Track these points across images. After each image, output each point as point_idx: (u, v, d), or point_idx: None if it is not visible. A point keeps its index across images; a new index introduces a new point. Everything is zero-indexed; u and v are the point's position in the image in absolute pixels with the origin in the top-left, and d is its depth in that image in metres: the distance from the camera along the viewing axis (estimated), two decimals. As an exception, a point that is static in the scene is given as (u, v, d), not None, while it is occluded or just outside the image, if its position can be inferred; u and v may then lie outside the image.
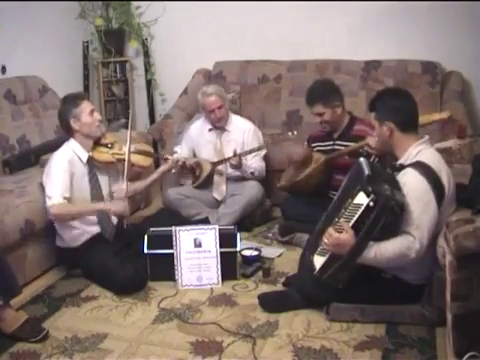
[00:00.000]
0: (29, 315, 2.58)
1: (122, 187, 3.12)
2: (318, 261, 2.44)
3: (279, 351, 2.37)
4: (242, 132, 3.75)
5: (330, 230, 2.35)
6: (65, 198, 2.91)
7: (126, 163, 3.06)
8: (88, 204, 3.03)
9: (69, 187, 2.95)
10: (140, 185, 3.37)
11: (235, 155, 3.54)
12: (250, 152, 3.61)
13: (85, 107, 3.02)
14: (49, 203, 2.91)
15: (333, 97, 3.29)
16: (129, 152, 3.08)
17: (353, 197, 2.29)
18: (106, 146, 3.14)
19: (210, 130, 3.77)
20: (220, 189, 3.72)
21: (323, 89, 3.36)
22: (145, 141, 4.09)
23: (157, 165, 3.76)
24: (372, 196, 2.20)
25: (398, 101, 2.51)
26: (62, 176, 2.93)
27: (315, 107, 3.31)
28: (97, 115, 3.07)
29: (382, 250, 2.31)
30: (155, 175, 3.38)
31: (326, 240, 2.36)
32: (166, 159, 3.39)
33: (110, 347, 2.44)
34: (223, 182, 3.72)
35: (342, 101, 3.34)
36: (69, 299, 2.87)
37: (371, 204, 2.20)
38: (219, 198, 3.71)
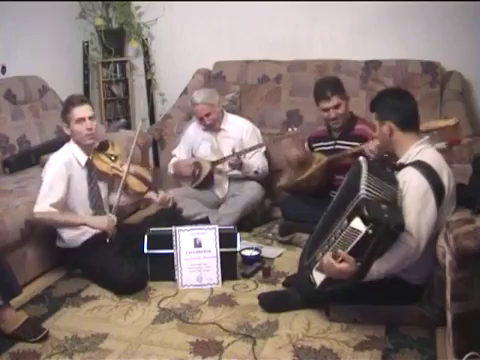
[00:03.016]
0: (29, 315, 2.58)
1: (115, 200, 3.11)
2: (318, 277, 2.36)
3: (279, 351, 2.37)
4: (240, 130, 3.75)
5: (330, 259, 2.23)
6: (51, 205, 2.90)
7: (122, 181, 3.04)
8: (71, 217, 3.00)
9: (62, 192, 2.94)
10: (123, 203, 3.28)
11: (233, 154, 3.54)
12: (250, 150, 3.60)
13: (76, 113, 2.94)
14: (35, 209, 2.90)
15: (343, 90, 3.32)
16: (128, 171, 3.06)
17: (350, 219, 2.18)
18: (109, 157, 3.12)
19: (205, 129, 3.78)
20: (222, 187, 3.73)
21: (336, 82, 3.37)
22: (145, 141, 4.10)
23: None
24: (371, 224, 2.10)
25: (398, 100, 2.51)
26: (55, 183, 2.92)
27: (332, 99, 3.26)
28: (88, 124, 2.95)
29: (385, 266, 2.27)
30: (143, 198, 3.33)
31: (325, 268, 2.27)
32: (157, 192, 3.30)
33: (110, 347, 2.44)
34: (225, 180, 3.73)
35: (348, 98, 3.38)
36: (69, 299, 2.87)
37: (370, 232, 2.11)
38: (221, 196, 3.71)
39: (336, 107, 3.28)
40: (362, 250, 2.16)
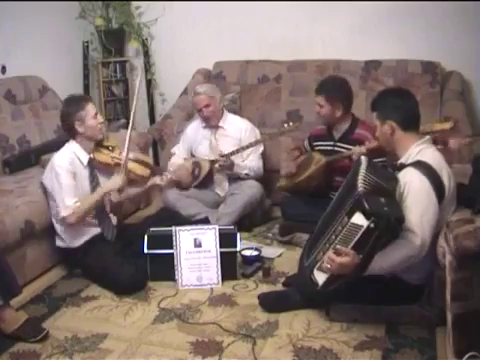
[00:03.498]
0: (29, 315, 2.58)
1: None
2: (320, 277, 2.36)
3: (279, 351, 2.37)
4: (239, 130, 3.76)
5: (331, 255, 2.25)
6: (76, 202, 2.94)
7: (127, 137, 3.04)
8: (92, 197, 3.01)
9: (76, 187, 2.98)
10: (132, 192, 3.33)
11: (222, 156, 3.57)
12: (247, 147, 3.62)
13: (90, 110, 3.01)
14: (66, 212, 2.92)
15: (338, 96, 3.28)
16: (127, 155, 3.07)
17: (350, 215, 2.19)
18: (107, 148, 3.15)
19: (205, 127, 3.79)
20: (223, 185, 3.74)
21: (333, 85, 3.36)
22: (145, 141, 4.09)
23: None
24: (372, 218, 2.11)
25: (399, 100, 2.51)
26: (70, 181, 2.94)
27: (318, 97, 3.32)
28: (100, 118, 3.08)
29: (387, 261, 2.28)
30: (148, 185, 3.33)
31: (329, 266, 2.28)
32: (162, 174, 3.34)
33: (110, 347, 2.44)
34: (225, 178, 3.73)
35: (346, 105, 3.31)
36: (69, 299, 2.88)
37: (372, 226, 2.12)
38: (222, 194, 3.72)
39: (320, 106, 3.32)
40: (363, 245, 2.18)
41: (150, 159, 3.39)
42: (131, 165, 3.15)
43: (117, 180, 3.03)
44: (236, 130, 3.76)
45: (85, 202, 2.97)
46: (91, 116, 3.00)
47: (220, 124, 3.76)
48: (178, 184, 3.61)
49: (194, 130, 3.85)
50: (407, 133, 2.46)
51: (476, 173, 2.52)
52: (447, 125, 2.83)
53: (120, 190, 3.11)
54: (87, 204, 2.97)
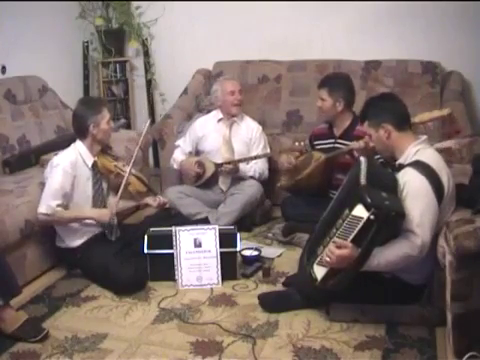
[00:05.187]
0: (29, 315, 2.58)
1: (113, 201, 3.11)
2: (319, 272, 2.38)
3: (279, 351, 2.37)
4: (250, 130, 3.81)
5: (332, 248, 2.27)
6: (58, 205, 2.93)
7: (124, 180, 3.03)
8: (75, 212, 3.01)
9: (68, 192, 2.96)
10: (125, 205, 3.31)
11: (229, 162, 3.61)
12: (255, 158, 3.68)
13: (106, 115, 3.05)
14: (44, 210, 2.92)
15: (340, 91, 3.31)
16: (130, 170, 3.08)
17: (351, 208, 2.22)
18: (112, 157, 3.19)
19: (220, 120, 3.81)
20: (226, 181, 3.75)
21: (337, 79, 3.41)
22: (145, 141, 4.09)
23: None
24: (373, 210, 2.13)
25: (388, 102, 2.56)
26: (62, 183, 2.94)
27: (321, 91, 3.36)
28: (111, 123, 3.12)
29: (386, 257, 2.28)
30: (140, 202, 3.31)
31: (328, 259, 2.29)
32: (156, 195, 3.33)
33: (110, 347, 2.44)
34: (229, 175, 3.74)
35: (348, 100, 3.34)
36: (69, 299, 2.88)
37: (372, 218, 2.14)
38: (225, 189, 3.73)
39: (322, 99, 3.35)
40: (362, 238, 2.20)
41: (147, 180, 3.42)
42: (132, 179, 3.17)
43: (105, 215, 2.99)
44: (248, 129, 3.81)
45: (65, 212, 2.97)
46: (106, 121, 3.03)
47: (236, 120, 3.79)
48: (166, 209, 3.54)
49: (203, 124, 3.86)
50: (402, 133, 2.48)
51: (476, 173, 2.53)
52: (445, 111, 2.87)
53: (100, 223, 3.05)
54: (66, 215, 2.97)
